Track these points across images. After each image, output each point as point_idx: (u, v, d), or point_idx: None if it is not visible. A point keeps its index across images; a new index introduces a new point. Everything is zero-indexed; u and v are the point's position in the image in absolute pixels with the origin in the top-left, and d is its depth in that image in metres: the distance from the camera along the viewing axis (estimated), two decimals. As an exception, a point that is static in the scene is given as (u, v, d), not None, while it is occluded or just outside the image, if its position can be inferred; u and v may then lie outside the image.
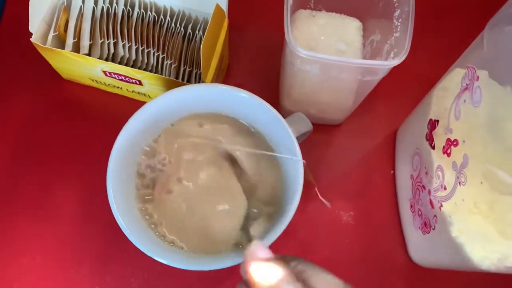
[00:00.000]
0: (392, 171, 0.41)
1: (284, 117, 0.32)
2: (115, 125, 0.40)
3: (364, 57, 0.39)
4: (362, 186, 0.41)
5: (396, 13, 0.32)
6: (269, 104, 0.31)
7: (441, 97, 0.33)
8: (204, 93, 0.32)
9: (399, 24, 0.32)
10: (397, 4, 0.32)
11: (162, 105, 0.32)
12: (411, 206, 0.36)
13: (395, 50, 0.31)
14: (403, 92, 0.43)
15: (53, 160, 0.40)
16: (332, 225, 0.39)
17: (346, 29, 0.40)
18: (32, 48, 0.36)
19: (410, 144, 0.37)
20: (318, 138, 0.41)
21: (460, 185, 0.28)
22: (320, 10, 0.40)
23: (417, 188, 0.35)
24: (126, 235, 0.29)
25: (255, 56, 0.44)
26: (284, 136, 0.32)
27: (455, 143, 0.29)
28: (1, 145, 0.40)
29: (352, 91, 0.34)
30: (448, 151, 0.29)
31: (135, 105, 0.41)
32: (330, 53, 0.39)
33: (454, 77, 0.31)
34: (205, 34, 0.32)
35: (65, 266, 0.37)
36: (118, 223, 0.29)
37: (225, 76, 0.42)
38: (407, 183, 0.37)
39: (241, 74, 0.43)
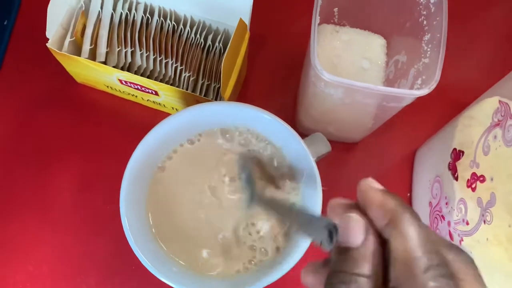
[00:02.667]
0: (408, 194, 0.40)
1: (300, 132, 0.31)
2: (128, 131, 0.40)
3: (387, 77, 0.38)
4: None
5: (426, 37, 0.31)
6: (291, 127, 0.30)
7: (467, 125, 0.32)
8: (225, 111, 0.31)
9: (428, 49, 0.30)
10: (427, 28, 0.31)
11: (181, 121, 0.31)
12: (428, 233, 0.35)
13: (423, 77, 0.30)
14: (425, 111, 0.42)
15: (64, 166, 0.39)
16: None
17: (370, 46, 0.39)
18: (46, 49, 0.35)
19: (430, 169, 0.36)
20: (333, 155, 0.40)
21: (484, 223, 0.27)
22: (344, 25, 0.39)
23: (436, 217, 0.34)
24: (141, 261, 0.28)
25: (273, 68, 0.42)
26: (303, 157, 0.31)
27: (481, 179, 0.28)
28: (10, 148, 0.40)
29: (374, 114, 0.33)
30: (473, 186, 0.28)
31: (149, 112, 0.41)
32: (353, 71, 0.38)
33: (484, 108, 0.29)
34: (226, 51, 0.31)
35: (71, 275, 0.36)
36: (132, 248, 0.28)
37: (241, 88, 0.42)
38: (424, 209, 0.36)
39: (257, 85, 0.42)
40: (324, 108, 0.34)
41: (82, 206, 0.38)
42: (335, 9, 0.37)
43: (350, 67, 0.38)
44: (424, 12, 0.32)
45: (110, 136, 0.40)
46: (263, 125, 0.32)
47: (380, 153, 0.41)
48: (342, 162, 0.41)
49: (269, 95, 0.42)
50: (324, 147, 0.33)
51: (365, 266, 0.17)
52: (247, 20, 0.35)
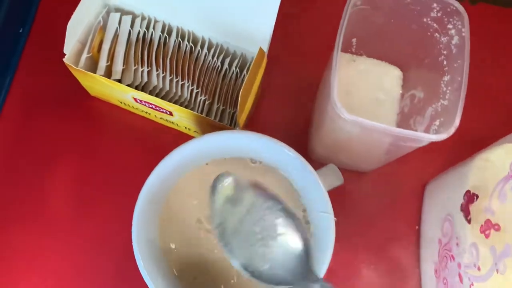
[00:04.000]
0: (417, 227, 0.40)
1: (311, 159, 0.31)
2: (140, 147, 0.40)
3: (402, 110, 0.37)
4: (385, 238, 0.39)
5: (446, 78, 0.31)
6: (307, 162, 0.30)
7: (482, 168, 0.31)
8: (242, 141, 0.31)
9: (448, 91, 0.30)
10: (447, 68, 0.31)
11: (195, 148, 0.31)
12: (436, 271, 0.35)
13: (442, 119, 0.30)
14: (437, 146, 0.41)
15: (73, 177, 0.39)
16: (350, 277, 0.38)
17: (386, 78, 0.38)
18: (60, 59, 0.35)
19: (441, 207, 0.36)
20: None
21: (497, 272, 0.27)
22: (361, 55, 0.39)
23: (445, 256, 0.34)
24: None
25: (285, 91, 0.42)
26: (315, 189, 0.31)
27: (496, 227, 0.27)
28: (19, 156, 0.39)
29: (389, 150, 0.33)
30: (487, 233, 0.28)
31: (162, 129, 0.41)
32: (367, 101, 0.38)
33: (502, 153, 0.29)
34: (245, 79, 0.31)
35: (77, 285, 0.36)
36: (141, 272, 0.28)
37: (254, 111, 0.41)
38: (433, 245, 0.36)
39: (270, 108, 0.42)
40: (340, 141, 0.34)
41: (89, 218, 0.38)
42: (353, 40, 0.37)
43: (365, 98, 0.38)
44: (445, 52, 0.32)
45: (121, 150, 0.40)
46: (276, 155, 0.31)
47: (389, 184, 0.41)
48: (350, 189, 0.41)
49: (281, 118, 0.41)
50: (337, 180, 0.32)
51: None
52: (265, 47, 0.34)
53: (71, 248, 0.37)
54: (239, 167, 0.33)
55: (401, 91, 0.38)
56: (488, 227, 0.28)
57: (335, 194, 0.33)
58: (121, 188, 0.38)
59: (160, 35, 0.36)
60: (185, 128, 0.38)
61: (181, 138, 0.40)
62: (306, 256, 0.23)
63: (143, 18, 0.37)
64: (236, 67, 0.36)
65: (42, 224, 0.38)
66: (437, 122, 0.30)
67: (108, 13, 0.37)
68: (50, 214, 0.38)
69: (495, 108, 0.43)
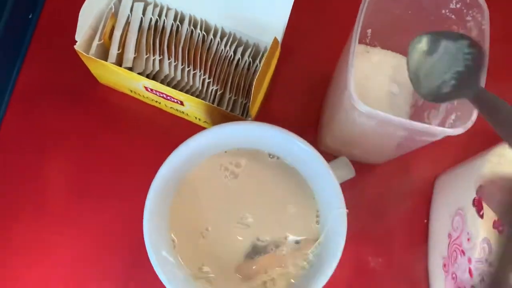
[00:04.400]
0: (425, 220, 0.40)
1: (321, 150, 0.31)
2: (148, 136, 0.40)
3: (415, 103, 0.37)
4: (393, 231, 0.39)
5: None
6: (320, 155, 0.30)
7: (496, 163, 0.31)
8: (254, 132, 0.31)
9: None
10: None
11: (207, 139, 0.31)
12: (444, 265, 0.35)
13: (458, 113, 0.29)
14: (450, 138, 0.41)
15: (80, 166, 0.39)
16: (358, 269, 0.38)
17: (400, 70, 0.38)
18: (70, 45, 0.34)
19: (452, 201, 0.36)
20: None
21: (510, 268, 0.27)
22: (375, 46, 0.38)
23: (455, 250, 0.34)
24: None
25: (297, 82, 0.42)
26: (328, 182, 0.30)
27: (510, 223, 0.27)
28: (26, 143, 0.39)
29: (402, 144, 0.33)
30: (501, 228, 0.28)
31: (171, 119, 0.40)
32: (381, 93, 0.37)
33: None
34: (259, 70, 0.31)
35: (84, 281, 0.37)
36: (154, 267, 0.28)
37: (265, 101, 0.41)
38: (442, 240, 0.36)
39: (281, 99, 0.41)
40: (353, 134, 0.34)
41: (98, 209, 0.38)
42: (369, 31, 0.36)
43: (378, 90, 0.37)
44: None
45: (130, 139, 0.40)
46: (289, 148, 0.31)
47: (399, 177, 0.41)
48: (360, 182, 0.40)
49: (292, 109, 0.41)
50: (349, 173, 0.32)
51: None
52: (279, 37, 0.34)
53: (78, 241, 0.37)
54: (253, 159, 0.33)
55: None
56: (502, 222, 0.28)
57: (344, 186, 0.33)
58: (130, 177, 0.38)
59: (172, 23, 0.36)
60: (195, 118, 0.38)
61: (191, 128, 0.40)
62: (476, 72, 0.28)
63: (155, 5, 0.37)
64: (249, 57, 0.36)
65: (49, 216, 0.38)
66: (453, 116, 0.30)
67: (120, 0, 0.37)
68: (58, 206, 0.38)
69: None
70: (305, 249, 0.31)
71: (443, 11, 0.31)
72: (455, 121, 0.29)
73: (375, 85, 0.38)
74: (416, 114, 0.36)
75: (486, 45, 0.28)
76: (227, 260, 0.31)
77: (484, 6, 0.29)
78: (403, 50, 0.38)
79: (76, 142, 0.39)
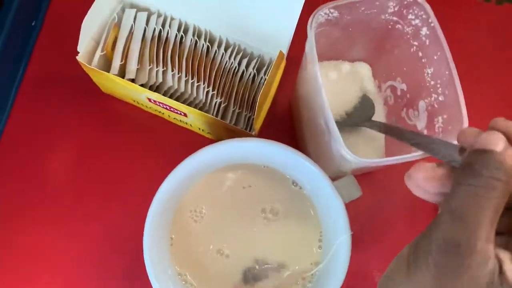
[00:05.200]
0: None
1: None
2: (152, 146, 0.39)
3: (386, 101, 0.37)
4: (401, 245, 0.38)
5: (429, 71, 0.30)
6: (328, 177, 0.29)
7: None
8: (259, 149, 0.30)
9: (438, 85, 0.29)
10: (425, 60, 0.30)
11: (209, 155, 0.30)
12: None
13: (444, 116, 0.29)
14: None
15: (83, 174, 0.39)
16: (363, 286, 0.37)
17: (355, 74, 0.38)
18: (73, 54, 0.34)
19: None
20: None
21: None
22: (329, 60, 0.38)
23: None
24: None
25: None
26: (333, 205, 0.30)
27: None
28: (28, 150, 0.39)
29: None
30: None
31: (175, 129, 0.40)
32: (352, 101, 0.37)
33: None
34: (264, 84, 0.30)
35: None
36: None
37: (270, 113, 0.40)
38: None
39: (286, 112, 0.41)
40: (342, 167, 0.33)
41: (97, 218, 0.38)
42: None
43: (349, 98, 0.37)
44: (415, 43, 0.31)
45: (133, 149, 0.39)
46: (294, 165, 0.31)
47: (405, 186, 0.40)
48: (365, 195, 0.40)
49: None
50: (356, 192, 0.31)
51: (503, 171, 0.18)
52: (285, 50, 0.33)
53: (80, 247, 0.37)
54: (259, 175, 0.32)
55: (377, 83, 0.38)
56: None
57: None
58: (132, 187, 0.38)
59: (176, 33, 0.35)
60: (199, 129, 0.38)
61: (194, 138, 0.39)
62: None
63: (159, 15, 0.36)
64: (253, 69, 0.35)
65: (48, 222, 0.37)
66: (439, 119, 0.29)
67: (123, 10, 0.36)
68: (57, 213, 0.38)
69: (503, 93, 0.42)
70: (304, 275, 0.31)
71: (383, 17, 0.31)
72: (445, 124, 0.29)
73: (343, 96, 0.37)
74: (391, 112, 0.36)
75: (444, 43, 0.28)
76: (224, 282, 0.30)
77: (424, 3, 0.29)
78: (352, 57, 0.38)
79: (79, 150, 0.39)
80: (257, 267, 0.31)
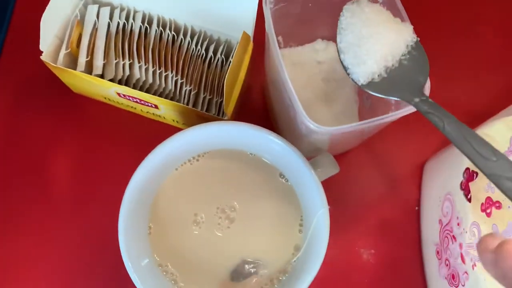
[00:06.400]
0: (416, 207, 0.39)
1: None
2: (127, 142, 0.39)
3: None
4: (384, 221, 0.39)
5: None
6: (298, 152, 0.29)
7: (481, 144, 0.30)
8: (231, 132, 0.30)
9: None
10: None
11: (183, 142, 0.30)
12: (437, 252, 0.34)
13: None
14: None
15: (59, 177, 0.38)
16: (351, 263, 0.37)
17: (323, 54, 0.38)
18: (40, 58, 0.33)
19: (440, 186, 0.35)
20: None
21: (500, 251, 0.26)
22: (290, 46, 0.38)
23: (446, 236, 0.33)
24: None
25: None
26: (309, 181, 0.29)
27: (497, 205, 0.26)
28: (3, 156, 0.38)
29: (364, 133, 0.32)
30: (488, 211, 0.27)
31: (149, 123, 0.39)
32: (321, 85, 0.36)
33: (501, 127, 0.28)
34: (229, 66, 0.30)
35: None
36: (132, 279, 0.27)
37: (245, 99, 0.40)
38: (434, 226, 0.35)
39: (261, 96, 0.40)
40: (313, 143, 0.32)
41: (76, 217, 0.37)
42: (279, 37, 0.36)
43: (320, 83, 0.37)
44: None
45: (108, 147, 0.39)
46: (268, 146, 0.30)
47: (386, 163, 0.40)
48: (345, 171, 0.39)
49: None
50: (333, 169, 0.31)
51: None
52: (250, 31, 0.33)
53: (61, 249, 0.36)
54: (236, 160, 0.32)
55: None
56: (489, 205, 0.27)
57: (328, 180, 0.32)
58: (111, 186, 0.37)
59: (140, 25, 0.35)
60: (173, 120, 0.37)
61: (169, 131, 0.38)
62: (419, 73, 0.26)
63: (122, 9, 0.36)
64: (221, 54, 0.35)
65: (27, 224, 0.37)
66: None
67: (85, 6, 0.36)
68: (33, 218, 0.37)
69: (495, 79, 0.41)
70: (288, 261, 0.30)
71: None
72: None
73: (316, 81, 0.37)
74: (362, 91, 0.35)
75: (401, 8, 0.28)
76: (211, 278, 0.30)
77: None
78: (320, 36, 0.37)
79: (52, 152, 0.38)
80: (244, 265, 0.30)
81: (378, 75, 0.26)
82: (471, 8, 0.44)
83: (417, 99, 0.25)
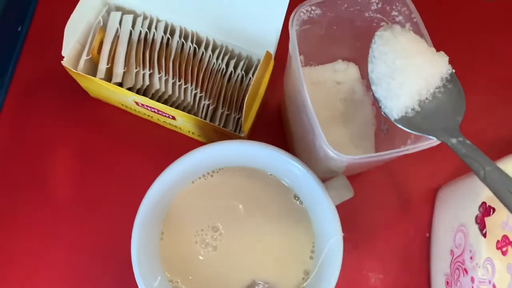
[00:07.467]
0: (427, 234, 0.38)
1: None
2: (141, 150, 0.39)
3: (374, 101, 0.36)
4: (394, 246, 0.38)
5: None
6: (316, 176, 0.29)
7: (499, 179, 0.30)
8: (251, 151, 0.30)
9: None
10: None
11: (200, 158, 0.29)
12: (447, 283, 0.34)
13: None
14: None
15: (72, 181, 0.38)
16: (358, 286, 0.37)
17: (343, 75, 0.37)
18: (60, 59, 0.33)
19: (454, 216, 0.34)
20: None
21: (514, 292, 0.25)
22: (311, 65, 0.37)
23: (457, 268, 0.32)
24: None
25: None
26: (324, 206, 0.29)
27: (514, 244, 0.26)
28: (16, 158, 0.38)
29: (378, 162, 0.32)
30: (504, 250, 0.27)
31: (165, 132, 0.39)
32: (342, 106, 0.36)
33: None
34: (251, 84, 0.30)
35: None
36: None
37: (261, 115, 0.40)
38: (445, 256, 0.35)
39: (277, 114, 0.40)
40: (327, 167, 0.32)
41: (87, 224, 0.37)
42: (301, 57, 0.36)
43: (338, 103, 0.37)
44: None
45: (123, 154, 0.39)
46: (285, 167, 0.30)
47: (398, 187, 0.40)
48: (356, 193, 0.39)
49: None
50: (347, 192, 0.31)
51: None
52: (272, 50, 0.33)
53: (68, 256, 0.36)
54: (250, 178, 0.32)
55: (363, 83, 0.37)
56: (506, 243, 0.27)
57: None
58: (122, 193, 0.37)
59: (162, 35, 0.35)
60: (189, 132, 0.37)
61: (185, 141, 0.39)
62: (454, 108, 0.25)
63: (145, 18, 0.36)
64: (241, 70, 0.35)
65: (37, 229, 0.37)
66: None
67: (108, 12, 0.36)
68: (45, 220, 0.37)
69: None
70: (298, 286, 0.30)
71: (367, 14, 0.30)
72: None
73: (333, 101, 0.37)
74: (380, 112, 0.35)
75: (427, 37, 0.27)
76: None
77: None
78: (339, 57, 0.37)
79: (68, 156, 0.38)
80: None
81: (412, 109, 0.26)
82: (489, 32, 0.43)
83: (454, 140, 0.24)
